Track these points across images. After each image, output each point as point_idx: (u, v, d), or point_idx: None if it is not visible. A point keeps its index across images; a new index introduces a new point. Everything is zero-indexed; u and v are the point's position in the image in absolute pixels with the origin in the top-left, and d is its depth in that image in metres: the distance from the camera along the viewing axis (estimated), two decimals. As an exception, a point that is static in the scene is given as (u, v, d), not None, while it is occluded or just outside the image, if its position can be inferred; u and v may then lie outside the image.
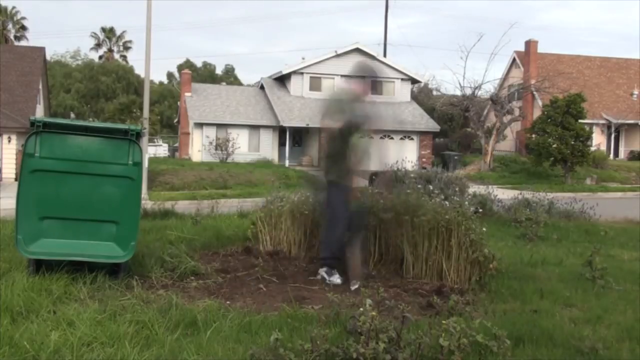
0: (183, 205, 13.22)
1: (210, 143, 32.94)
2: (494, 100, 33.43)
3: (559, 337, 4.34)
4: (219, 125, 33.53)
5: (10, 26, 59.46)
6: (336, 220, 6.10)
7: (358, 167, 6.17)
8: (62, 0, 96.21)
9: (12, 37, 58.79)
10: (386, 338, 3.60)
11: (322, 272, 6.16)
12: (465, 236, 6.12)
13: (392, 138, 34.17)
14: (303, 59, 36.61)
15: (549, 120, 28.93)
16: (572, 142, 28.18)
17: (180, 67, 62.97)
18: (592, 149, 30.81)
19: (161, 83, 72.81)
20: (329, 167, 6.31)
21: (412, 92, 38.59)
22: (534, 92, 36.48)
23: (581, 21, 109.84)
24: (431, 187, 7.50)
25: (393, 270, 6.55)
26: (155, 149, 43.81)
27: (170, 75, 75.79)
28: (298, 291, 5.71)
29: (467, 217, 6.28)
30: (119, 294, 5.14)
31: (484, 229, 6.42)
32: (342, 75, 35.19)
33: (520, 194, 13.21)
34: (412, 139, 34.69)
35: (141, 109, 25.25)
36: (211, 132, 33.26)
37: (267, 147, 34.14)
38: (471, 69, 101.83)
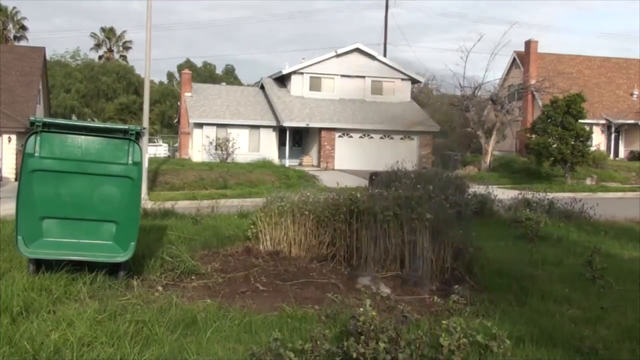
0: (183, 205, 13.21)
1: (210, 143, 32.91)
2: (494, 100, 33.42)
3: (559, 337, 4.34)
4: (219, 125, 33.49)
5: (10, 26, 59.45)
6: None
7: None
8: (62, 0, 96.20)
9: (12, 37, 58.79)
10: (386, 338, 3.60)
11: None
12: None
13: (392, 138, 34.15)
14: (303, 59, 36.60)
15: (549, 120, 28.90)
16: (572, 142, 28.15)
17: (180, 67, 62.91)
18: (592, 149, 30.78)
19: (162, 83, 72.82)
20: None
21: (412, 92, 38.56)
22: (534, 92, 36.46)
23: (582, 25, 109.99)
24: (431, 187, 7.50)
25: (393, 270, 6.55)
26: (156, 149, 43.71)
27: (170, 75, 75.76)
28: (298, 291, 5.71)
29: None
30: (119, 294, 5.14)
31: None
32: (342, 75, 35.19)
33: (520, 194, 13.19)
34: (412, 139, 34.64)
35: (141, 109, 25.25)
36: (211, 132, 33.24)
37: (267, 147, 34.10)
38: (471, 69, 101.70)
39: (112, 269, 5.66)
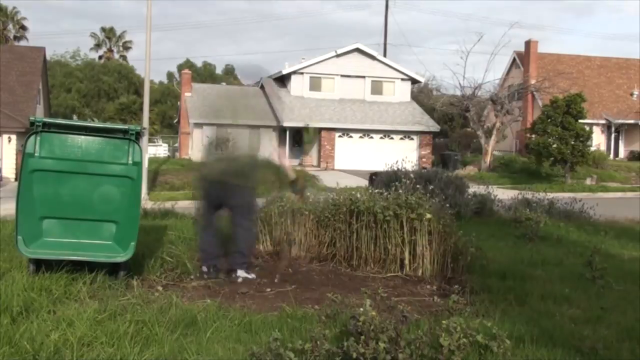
0: (183, 205, 13.19)
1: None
2: (494, 100, 33.41)
3: (559, 337, 4.34)
4: (219, 126, 33.52)
5: (10, 26, 59.45)
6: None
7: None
8: (62, 0, 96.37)
9: (12, 37, 58.79)
10: (386, 338, 3.60)
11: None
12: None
13: (392, 138, 34.15)
14: (303, 59, 36.57)
15: (549, 120, 28.90)
16: (572, 142, 28.16)
17: (180, 67, 62.93)
18: (592, 149, 30.78)
19: (162, 83, 72.80)
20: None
21: (412, 92, 38.54)
22: (534, 92, 36.45)
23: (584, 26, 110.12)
24: (431, 187, 7.50)
25: (393, 270, 6.56)
26: (156, 149, 43.69)
27: (170, 75, 75.78)
28: (298, 291, 5.72)
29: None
30: (119, 294, 5.13)
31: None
32: (342, 75, 35.18)
33: (520, 194, 13.19)
34: (412, 139, 34.64)
35: (142, 109, 25.25)
36: (211, 132, 33.26)
37: (267, 147, 34.09)
38: (471, 69, 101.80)
39: (112, 269, 5.66)
